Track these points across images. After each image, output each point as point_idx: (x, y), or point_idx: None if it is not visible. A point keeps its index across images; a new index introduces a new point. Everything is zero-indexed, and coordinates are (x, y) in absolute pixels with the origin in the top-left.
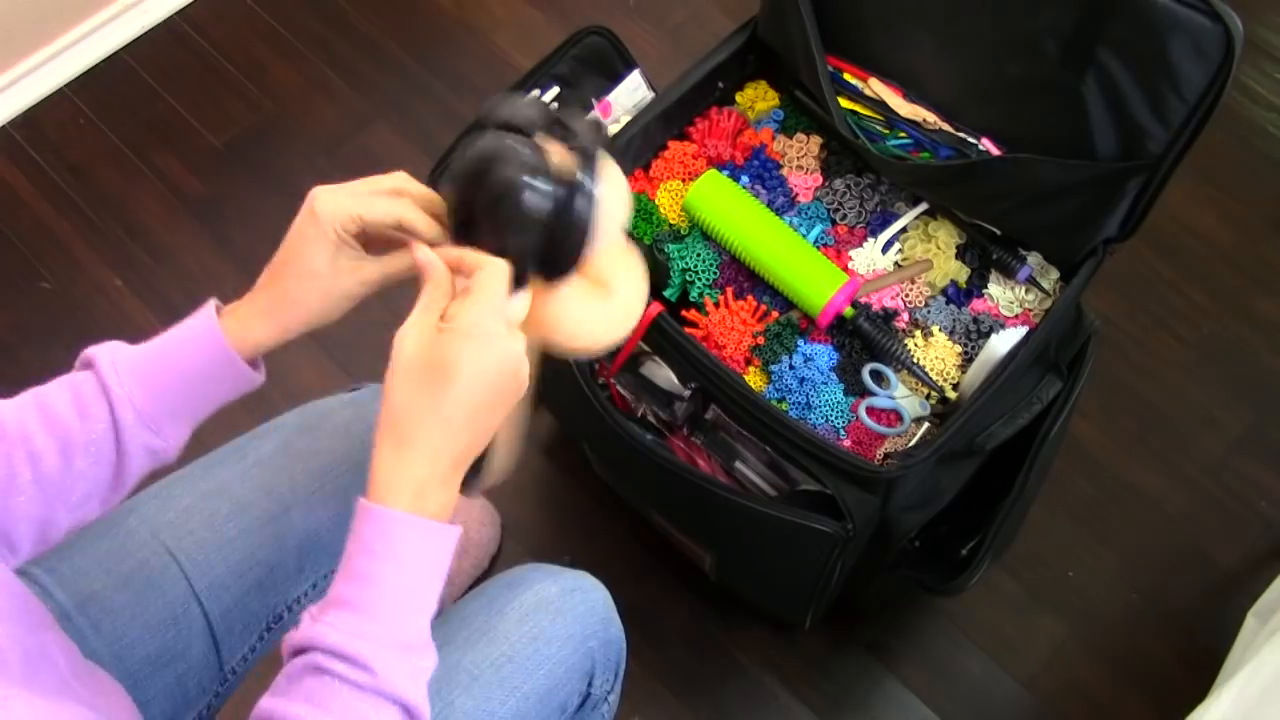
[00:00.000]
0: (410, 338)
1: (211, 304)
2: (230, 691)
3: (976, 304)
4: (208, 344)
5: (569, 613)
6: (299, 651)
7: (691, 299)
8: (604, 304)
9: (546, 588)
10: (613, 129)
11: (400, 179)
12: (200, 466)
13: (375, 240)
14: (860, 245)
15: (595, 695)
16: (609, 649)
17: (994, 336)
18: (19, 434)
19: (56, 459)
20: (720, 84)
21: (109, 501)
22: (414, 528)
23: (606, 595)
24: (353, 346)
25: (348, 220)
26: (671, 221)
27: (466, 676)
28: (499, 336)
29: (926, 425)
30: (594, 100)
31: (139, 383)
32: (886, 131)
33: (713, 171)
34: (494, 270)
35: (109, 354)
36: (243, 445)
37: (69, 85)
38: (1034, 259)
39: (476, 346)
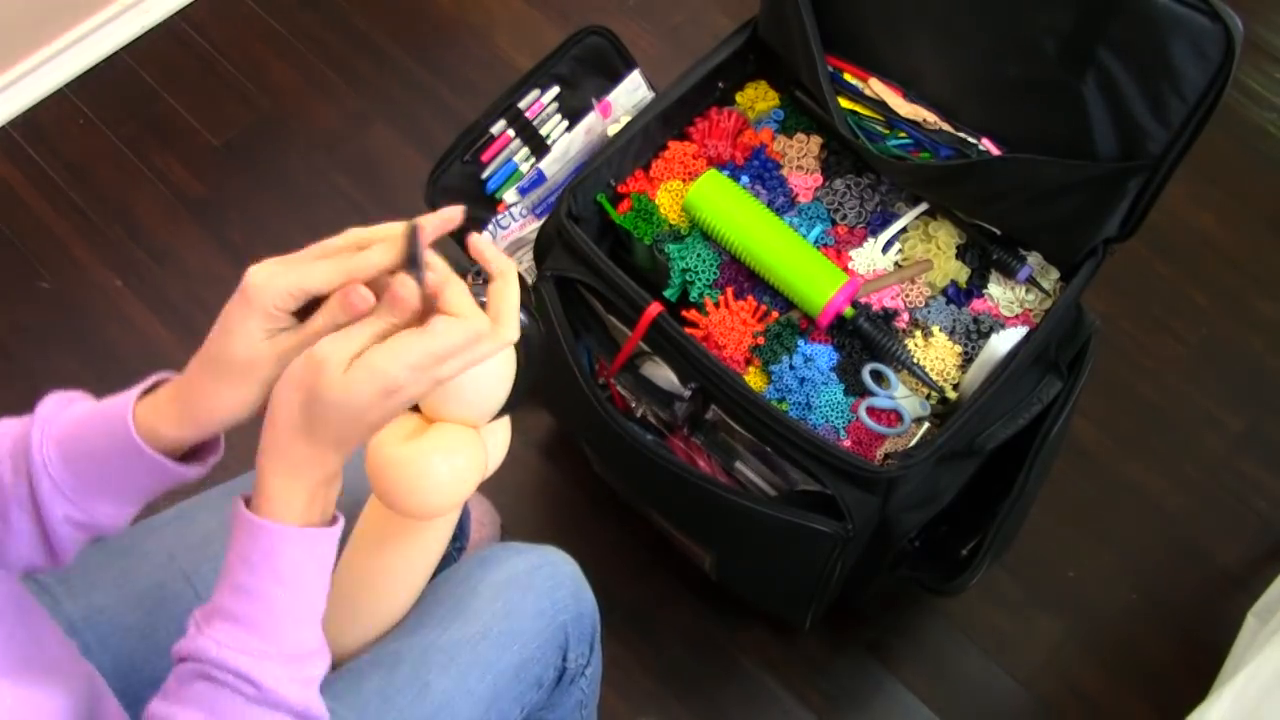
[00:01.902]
0: (313, 355)
1: (136, 390)
2: None
3: (977, 304)
4: (120, 430)
5: (539, 587)
6: (183, 660)
7: (691, 299)
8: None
9: (516, 564)
10: (612, 129)
11: (352, 235)
12: (224, 492)
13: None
14: (860, 245)
15: (571, 670)
16: (581, 622)
17: (994, 336)
18: None
19: None
20: (720, 84)
21: (54, 564)
22: (294, 541)
23: (576, 568)
24: None
25: (285, 297)
26: (671, 221)
27: (443, 656)
28: (384, 407)
29: (926, 425)
30: (594, 100)
31: (57, 449)
32: (886, 131)
33: (713, 171)
34: (455, 327)
35: (49, 409)
36: None
37: (69, 85)
38: (1034, 259)
39: (357, 403)
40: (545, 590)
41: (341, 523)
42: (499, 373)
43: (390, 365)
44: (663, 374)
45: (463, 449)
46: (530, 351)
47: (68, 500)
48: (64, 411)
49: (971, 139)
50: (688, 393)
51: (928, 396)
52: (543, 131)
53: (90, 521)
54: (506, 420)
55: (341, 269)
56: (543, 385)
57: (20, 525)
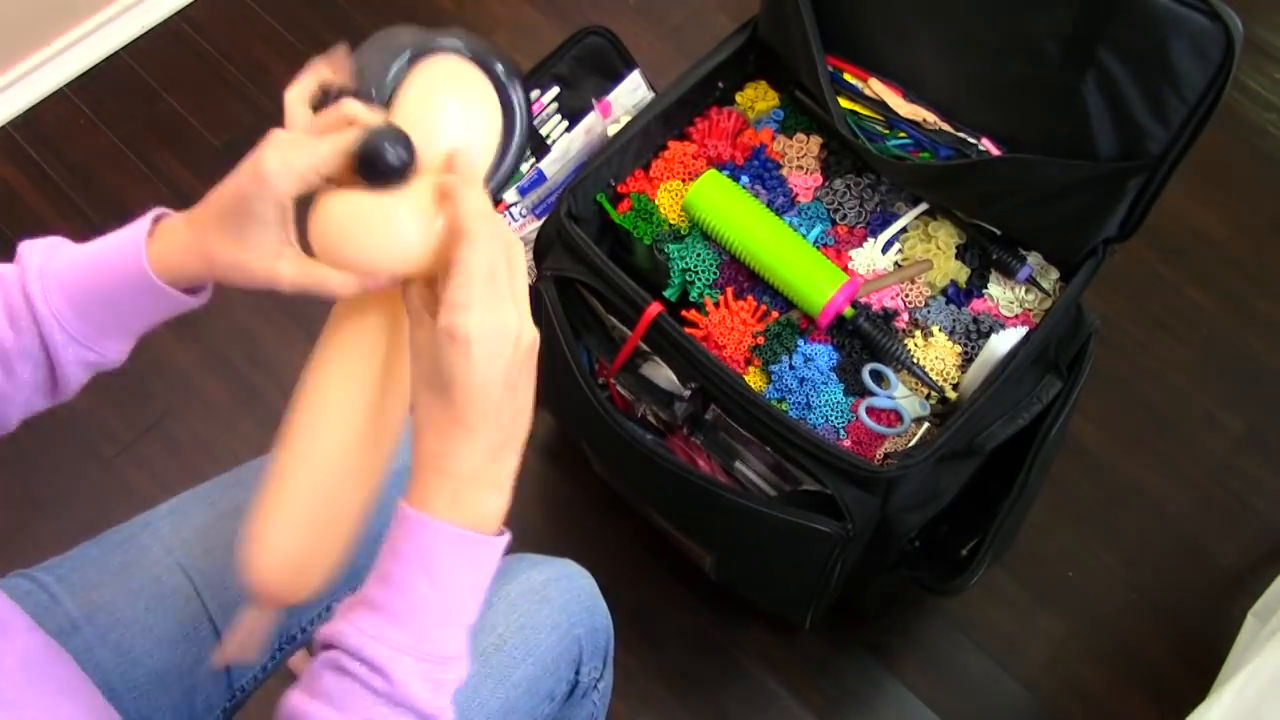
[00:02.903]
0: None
1: (146, 220)
2: (239, 707)
3: (976, 304)
4: (133, 263)
5: (555, 600)
6: (326, 646)
7: (691, 299)
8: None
9: (532, 576)
10: (612, 129)
11: (350, 107)
12: (219, 486)
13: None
14: (860, 245)
15: (584, 683)
16: (596, 636)
17: (994, 336)
18: None
19: None
20: (720, 84)
21: (56, 398)
22: (447, 537)
23: (591, 582)
24: None
25: (300, 183)
26: (671, 221)
27: (504, 539)
28: (502, 330)
29: (926, 425)
30: (594, 100)
31: (66, 300)
32: (886, 131)
33: (713, 171)
34: (483, 243)
35: (39, 262)
36: (261, 466)
37: (69, 85)
38: (1034, 259)
39: (478, 353)
40: (561, 604)
41: (507, 537)
42: (479, 139)
43: (483, 312)
44: (663, 374)
45: (439, 213)
46: (513, 119)
47: (80, 345)
48: (55, 259)
49: (971, 139)
50: (688, 393)
51: (927, 396)
52: (543, 131)
53: (99, 359)
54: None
55: (344, 145)
56: (544, 384)
57: (24, 376)
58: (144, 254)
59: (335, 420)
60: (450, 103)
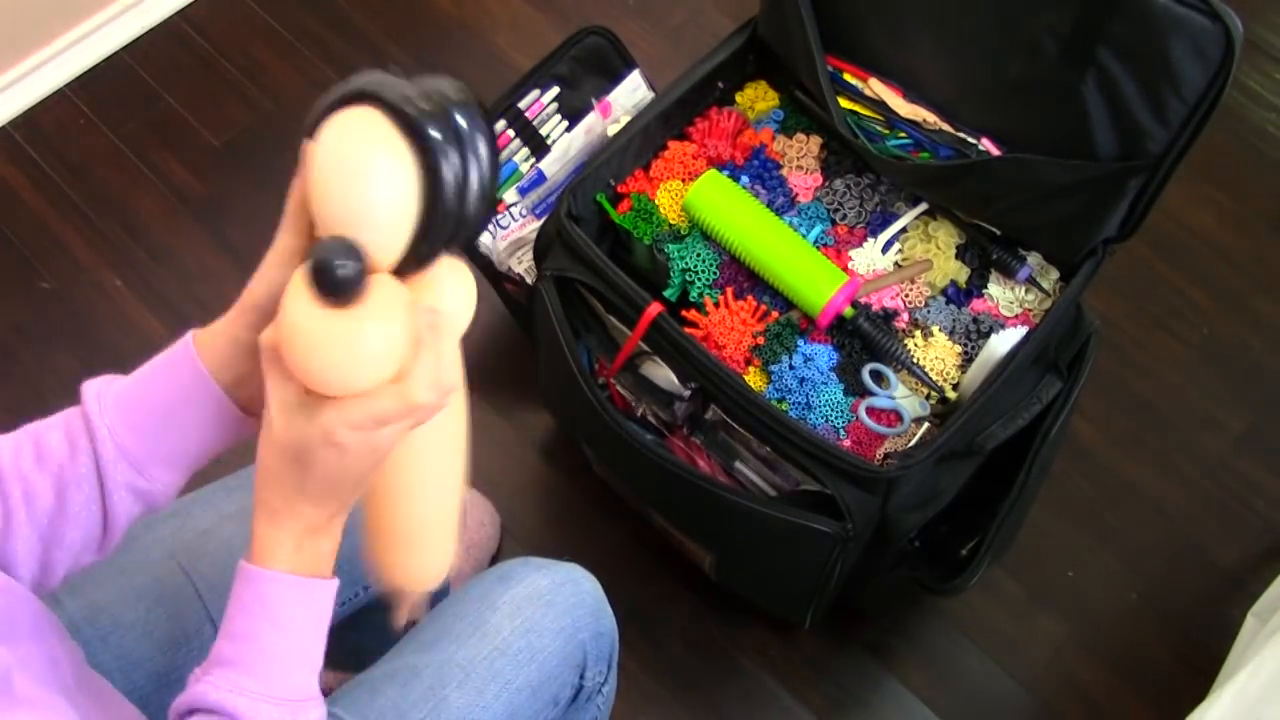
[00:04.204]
0: (279, 414)
1: (187, 335)
2: None
3: (976, 304)
4: (183, 361)
5: (560, 604)
6: (187, 713)
7: (691, 299)
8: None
9: (537, 580)
10: (612, 129)
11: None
12: (221, 489)
13: None
14: (860, 245)
15: (588, 687)
16: (600, 640)
17: (994, 336)
18: (15, 472)
19: (51, 498)
20: (720, 84)
21: (103, 548)
22: (288, 585)
23: (597, 586)
24: None
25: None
26: (671, 221)
27: (460, 672)
28: (372, 446)
29: (926, 425)
30: (594, 100)
31: (120, 415)
32: (886, 131)
33: (713, 171)
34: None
35: (97, 386)
36: None
37: (69, 85)
38: (1034, 259)
39: (350, 462)
40: (565, 608)
41: (337, 582)
42: (384, 206)
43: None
44: (662, 374)
45: (398, 316)
46: (439, 181)
47: (130, 467)
48: (111, 386)
49: (971, 139)
50: (687, 393)
51: (927, 396)
52: (542, 131)
53: (148, 488)
54: (466, 271)
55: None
56: (544, 385)
57: (76, 508)
58: (190, 344)
59: (409, 449)
60: (342, 175)
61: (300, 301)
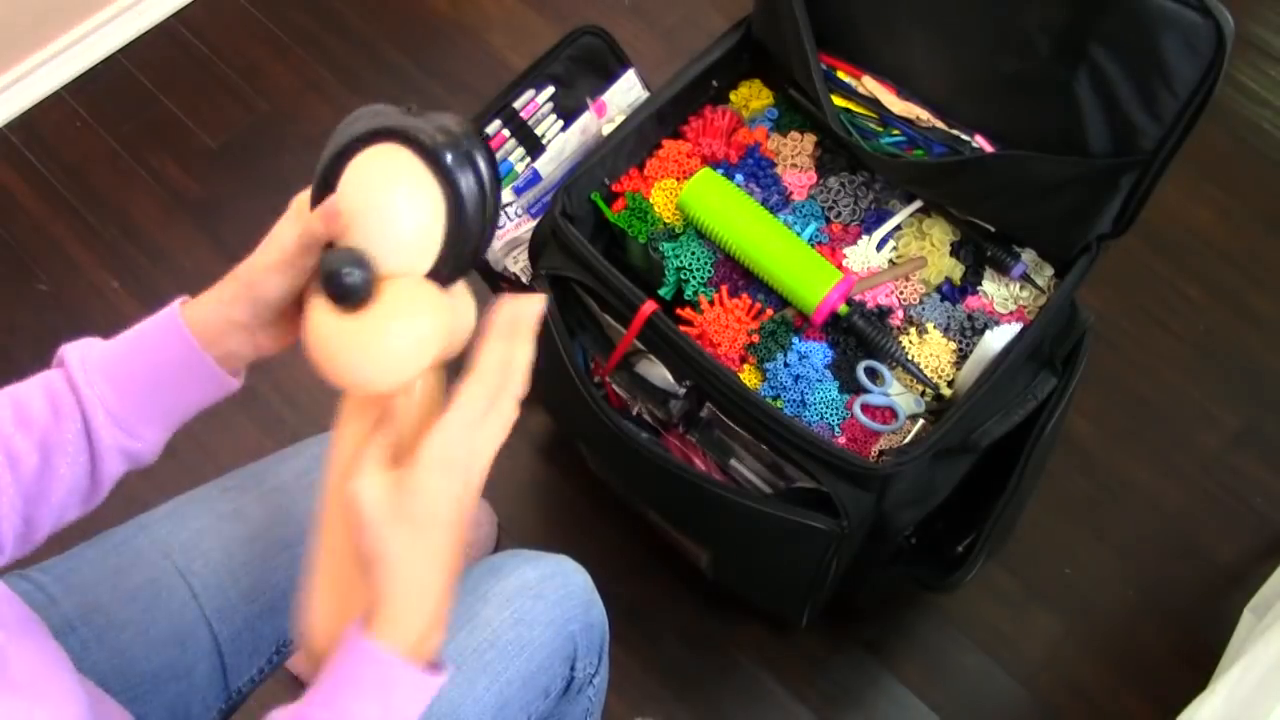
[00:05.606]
0: (369, 490)
1: (174, 303)
2: (236, 708)
3: (971, 301)
4: (170, 331)
5: (550, 596)
6: None
7: (686, 297)
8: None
9: (527, 572)
10: (607, 128)
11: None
12: (217, 488)
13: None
14: (855, 243)
15: (579, 679)
16: (591, 632)
17: (988, 333)
18: None
19: (36, 459)
20: (714, 82)
21: (88, 503)
22: (411, 680)
23: (587, 578)
24: None
25: (287, 290)
26: (666, 220)
27: (450, 664)
28: (468, 465)
29: (921, 422)
30: (589, 99)
31: (109, 382)
32: (880, 129)
33: (707, 170)
34: (479, 388)
35: (79, 351)
36: (260, 470)
37: (65, 87)
38: (1028, 255)
39: (450, 482)
40: (556, 600)
41: (445, 677)
42: (416, 231)
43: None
44: (658, 372)
45: (426, 312)
46: (462, 205)
47: (121, 431)
48: (92, 350)
49: (965, 136)
50: (683, 391)
51: (922, 393)
52: (538, 131)
53: (138, 449)
54: (467, 293)
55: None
56: (540, 384)
57: (61, 469)
58: (178, 317)
59: None
60: (377, 205)
61: (319, 311)
